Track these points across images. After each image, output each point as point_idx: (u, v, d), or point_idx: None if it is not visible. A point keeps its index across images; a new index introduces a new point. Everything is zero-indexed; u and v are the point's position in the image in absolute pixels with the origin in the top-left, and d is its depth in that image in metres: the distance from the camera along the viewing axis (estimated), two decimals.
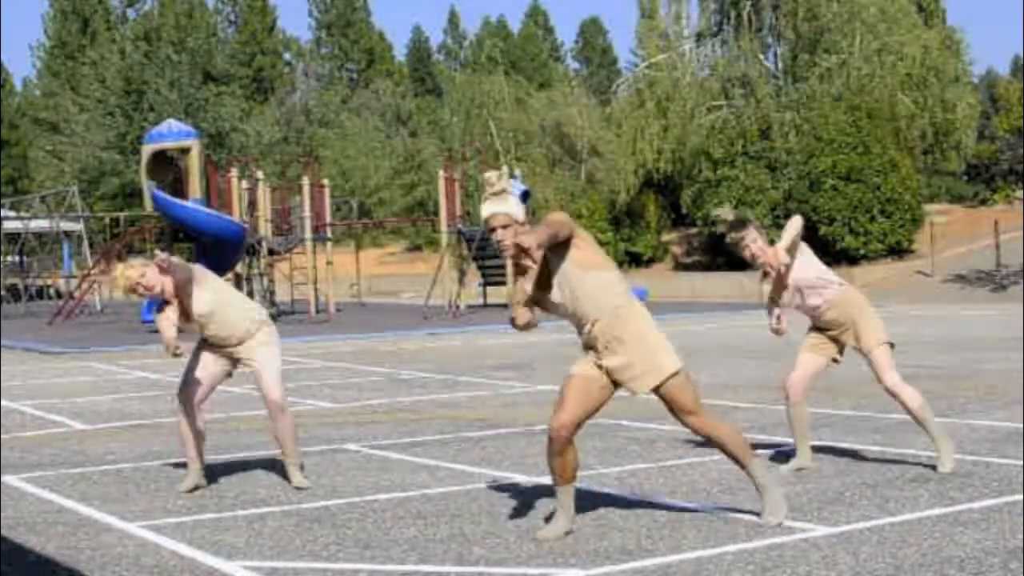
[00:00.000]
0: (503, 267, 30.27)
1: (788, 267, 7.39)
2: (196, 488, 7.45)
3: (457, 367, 15.99)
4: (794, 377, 7.58)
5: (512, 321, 5.90)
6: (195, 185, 24.91)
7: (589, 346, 5.90)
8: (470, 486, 7.36)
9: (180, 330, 7.36)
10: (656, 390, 5.87)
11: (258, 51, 76.30)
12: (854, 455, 8.05)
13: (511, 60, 68.60)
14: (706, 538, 5.80)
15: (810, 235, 39.97)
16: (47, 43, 75.84)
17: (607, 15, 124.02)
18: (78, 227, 44.90)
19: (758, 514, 6.17)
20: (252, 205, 29.15)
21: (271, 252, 29.59)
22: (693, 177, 41.33)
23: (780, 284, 7.44)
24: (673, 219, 45.78)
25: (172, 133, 25.55)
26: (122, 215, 46.57)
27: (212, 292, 7.41)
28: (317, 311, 29.76)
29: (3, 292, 40.32)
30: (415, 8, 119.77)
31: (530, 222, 5.94)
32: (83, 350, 20.82)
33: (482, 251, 30.92)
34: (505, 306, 31.11)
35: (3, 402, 12.84)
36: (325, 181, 33.24)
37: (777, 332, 7.44)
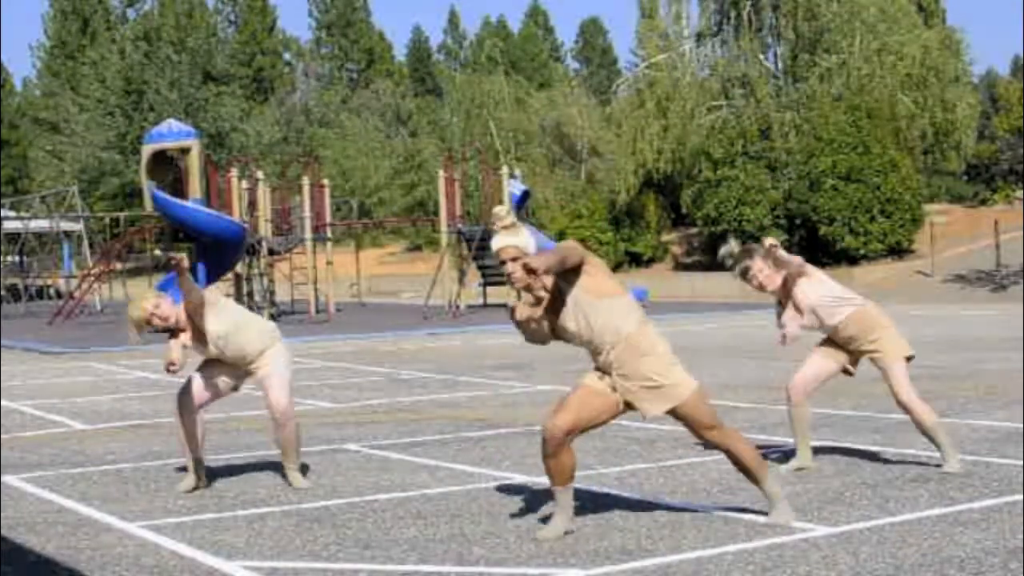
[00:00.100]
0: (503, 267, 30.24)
1: (797, 294, 7.38)
2: (196, 488, 7.46)
3: (457, 367, 15.99)
4: (797, 377, 7.58)
5: (512, 312, 5.90)
6: (195, 185, 24.90)
7: (604, 371, 5.92)
8: (470, 486, 7.36)
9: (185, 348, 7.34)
10: (674, 411, 5.90)
11: (258, 51, 76.28)
12: (854, 455, 8.05)
13: (511, 60, 68.58)
14: (706, 538, 5.80)
15: (810, 235, 39.75)
16: (47, 43, 75.86)
17: (607, 15, 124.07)
18: (78, 227, 44.89)
19: (759, 513, 6.18)
20: (252, 205, 29.15)
21: (271, 252, 29.58)
22: (693, 177, 41.32)
23: (792, 306, 7.41)
24: (673, 219, 45.77)
25: (172, 133, 25.53)
26: (122, 215, 46.55)
27: (227, 314, 7.39)
28: (317, 311, 29.76)
29: (3, 292, 40.33)
30: (415, 8, 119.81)
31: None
32: (83, 350, 20.82)
33: (482, 251, 30.92)
34: (505, 306, 31.08)
35: (3, 402, 12.85)
36: (325, 181, 33.24)
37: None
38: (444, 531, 6.16)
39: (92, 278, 33.50)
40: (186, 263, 7.07)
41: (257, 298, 28.76)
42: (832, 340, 7.52)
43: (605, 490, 7.08)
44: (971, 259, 35.72)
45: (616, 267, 38.69)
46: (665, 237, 45.28)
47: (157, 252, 46.66)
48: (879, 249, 37.45)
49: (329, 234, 32.50)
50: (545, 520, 6.11)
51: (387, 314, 30.83)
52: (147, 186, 24.49)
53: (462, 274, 32.45)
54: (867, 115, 38.17)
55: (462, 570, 5.41)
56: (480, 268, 33.76)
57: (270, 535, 6.20)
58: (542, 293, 5.85)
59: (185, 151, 25.00)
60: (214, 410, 8.06)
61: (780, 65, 43.97)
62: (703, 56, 44.79)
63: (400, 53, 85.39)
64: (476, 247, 31.10)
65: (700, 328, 22.90)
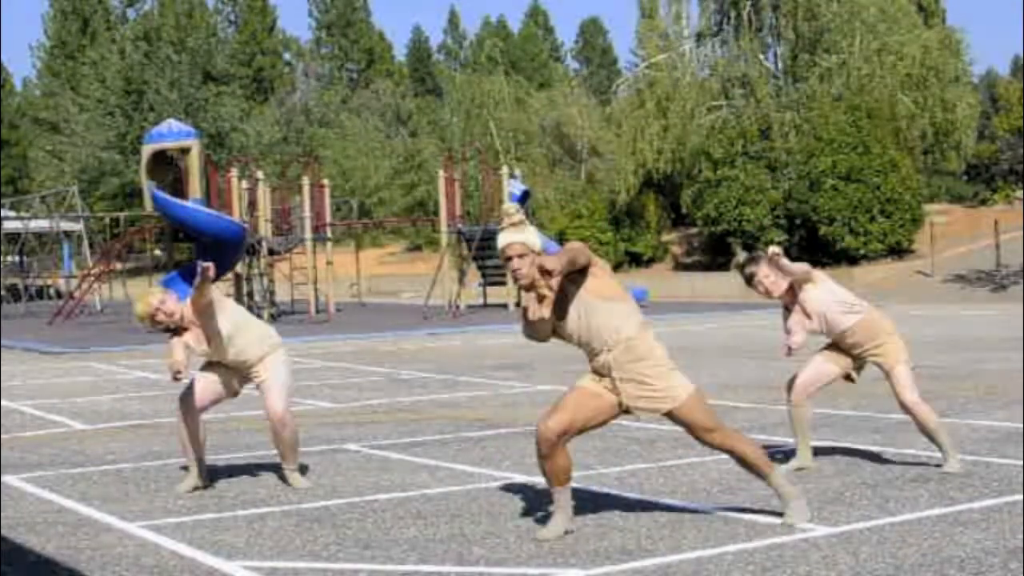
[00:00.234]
0: (503, 267, 30.28)
1: (805, 299, 7.38)
2: (196, 489, 7.46)
3: (457, 367, 15.99)
4: (797, 377, 7.59)
5: (525, 311, 5.90)
6: (195, 185, 24.88)
7: (601, 373, 5.92)
8: (470, 486, 7.36)
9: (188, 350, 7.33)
10: (672, 414, 5.90)
11: (258, 51, 76.30)
12: (854, 455, 8.05)
13: (511, 60, 68.59)
14: (706, 538, 5.80)
15: (810, 235, 39.69)
16: (47, 43, 75.89)
17: (607, 15, 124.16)
18: (78, 227, 44.89)
19: (759, 513, 6.18)
20: (252, 205, 29.15)
21: (271, 252, 29.59)
22: (693, 177, 41.32)
23: (799, 310, 7.41)
24: (673, 219, 45.77)
25: (172, 133, 25.52)
26: (122, 215, 46.55)
27: (227, 314, 7.39)
28: (317, 311, 29.76)
29: (3, 292, 40.32)
30: (415, 8, 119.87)
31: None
32: (83, 350, 20.82)
33: (482, 251, 30.92)
34: (504, 306, 31.12)
35: (3, 402, 12.85)
36: (325, 181, 33.24)
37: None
38: (444, 531, 6.16)
39: (92, 278, 33.51)
40: (212, 272, 7.05)
41: (257, 298, 28.76)
42: (836, 345, 7.52)
43: (605, 490, 7.08)
44: (971, 259, 35.72)
45: (616, 267, 38.64)
46: (665, 237, 45.28)
47: (157, 252, 46.70)
48: (879, 249, 37.45)
49: (329, 234, 32.50)
50: (545, 520, 6.11)
51: (387, 314, 30.83)
52: (147, 186, 24.47)
53: (462, 274, 32.44)
54: (867, 115, 38.17)
55: (462, 570, 5.41)
56: (480, 268, 33.76)
57: (270, 535, 6.20)
58: (546, 292, 5.86)
59: (185, 151, 24.98)
60: (214, 410, 8.06)
61: (780, 65, 43.97)
62: (703, 56, 44.78)
63: (400, 53, 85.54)
64: (476, 247, 31.09)
65: (700, 328, 22.90)
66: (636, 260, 43.12)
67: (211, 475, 7.71)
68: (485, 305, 33.36)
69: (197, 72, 62.05)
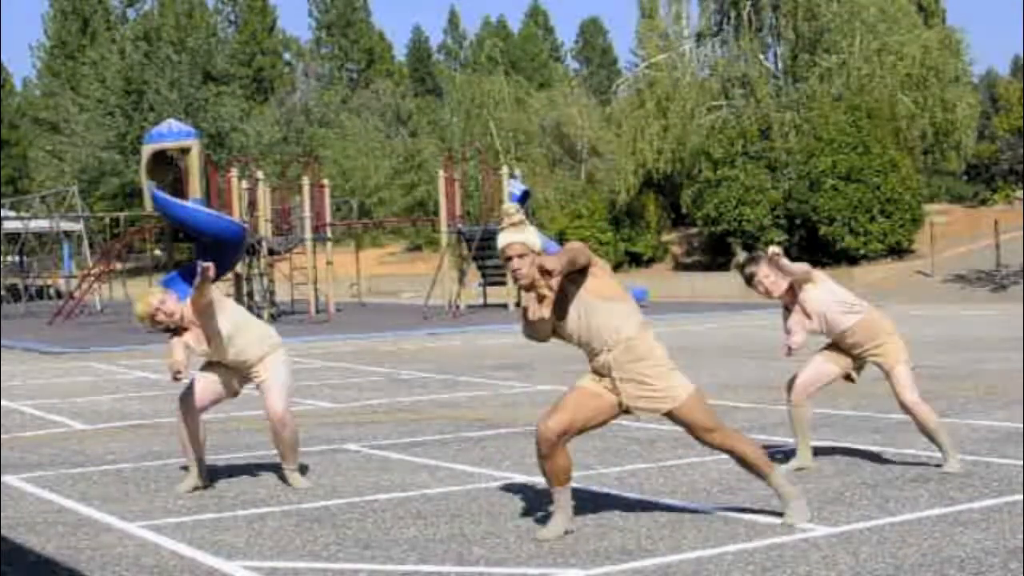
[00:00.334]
0: (503, 267, 30.28)
1: (804, 299, 7.38)
2: (196, 489, 7.46)
3: (457, 367, 15.99)
4: (797, 377, 7.59)
5: (525, 311, 5.90)
6: (195, 185, 24.89)
7: (601, 373, 5.92)
8: (470, 486, 7.36)
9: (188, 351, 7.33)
10: (672, 414, 5.90)
11: (258, 51, 76.30)
12: (854, 455, 8.05)
13: (511, 60, 68.58)
14: (706, 538, 5.80)
15: (810, 235, 39.65)
16: (47, 43, 75.89)
17: (607, 15, 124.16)
18: (78, 227, 44.89)
19: (759, 513, 6.18)
20: (252, 205, 29.15)
21: (271, 252, 29.59)
22: (693, 177, 41.32)
23: (799, 310, 7.41)
24: (673, 219, 45.78)
25: (172, 133, 25.52)
26: (122, 215, 46.55)
27: (227, 314, 7.39)
28: (317, 311, 29.76)
29: (3, 292, 40.32)
30: (415, 8, 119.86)
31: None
32: (83, 350, 20.82)
33: (482, 251, 30.93)
34: (504, 306, 31.12)
35: (3, 402, 12.85)
36: (325, 181, 33.25)
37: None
38: (444, 531, 6.16)
39: (92, 278, 33.50)
40: (212, 272, 7.05)
41: (257, 298, 28.76)
42: (836, 345, 7.52)
43: (605, 490, 7.08)
44: (971, 259, 35.72)
45: (616, 267, 38.64)
46: (665, 237, 45.28)
47: (157, 252, 46.70)
48: (879, 249, 37.45)
49: (329, 234, 32.50)
50: (545, 520, 6.11)
51: (387, 314, 30.84)
52: (147, 186, 24.47)
53: (462, 274, 32.44)
54: (867, 115, 38.17)
55: (462, 570, 5.41)
56: (480, 268, 33.76)
57: (270, 535, 6.20)
58: (546, 291, 5.86)
59: (185, 151, 24.99)
60: (214, 410, 8.06)
61: (780, 65, 43.97)
62: (703, 56, 44.78)
63: (400, 53, 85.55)
64: (476, 247, 31.10)
65: (700, 328, 22.90)
66: (636, 260, 43.12)
67: (211, 475, 7.71)
68: (485, 305, 33.36)
69: (197, 72, 62.05)
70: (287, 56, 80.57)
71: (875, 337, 7.39)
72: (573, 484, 6.04)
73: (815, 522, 6.01)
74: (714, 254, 41.28)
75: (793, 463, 7.52)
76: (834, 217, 37.08)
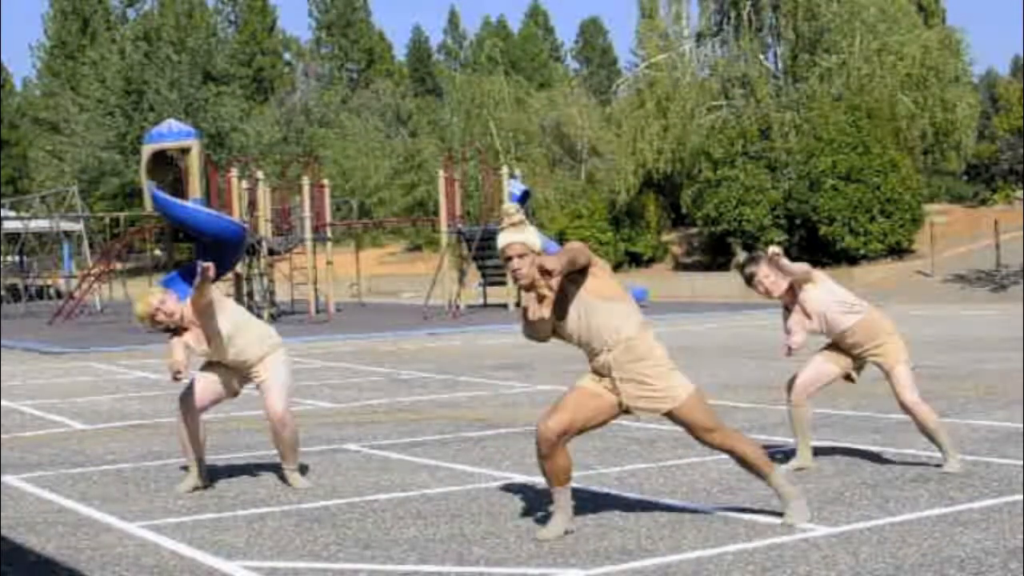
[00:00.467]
0: (503, 267, 30.27)
1: (805, 299, 7.38)
2: (196, 489, 7.46)
3: (457, 367, 15.99)
4: (797, 377, 7.59)
5: (525, 311, 5.90)
6: (195, 185, 24.89)
7: (601, 373, 5.92)
8: (470, 486, 7.36)
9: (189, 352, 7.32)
10: (672, 414, 5.90)
11: (258, 51, 76.32)
12: (854, 455, 8.05)
13: (511, 60, 68.60)
14: (706, 538, 5.80)
15: (810, 235, 39.63)
16: (47, 43, 75.90)
17: (607, 15, 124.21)
18: (78, 227, 44.89)
19: (759, 513, 6.18)
20: (252, 205, 29.16)
21: (271, 252, 29.59)
22: (693, 177, 41.33)
23: (799, 310, 7.41)
24: (673, 219, 45.78)
25: (172, 133, 25.52)
26: (122, 215, 46.54)
27: (227, 314, 7.39)
28: (317, 311, 29.76)
29: (3, 292, 40.32)
30: (415, 8, 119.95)
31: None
32: (83, 350, 20.82)
33: (482, 251, 30.93)
34: (505, 306, 31.12)
35: (3, 402, 12.85)
36: (325, 181, 33.26)
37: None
38: (444, 531, 6.16)
39: (92, 278, 33.50)
40: (212, 272, 7.05)
41: (257, 298, 28.77)
42: (836, 345, 7.52)
43: (605, 490, 7.08)
44: (971, 259, 35.72)
45: (616, 267, 38.64)
46: (665, 237, 45.29)
47: (157, 252, 46.69)
48: (879, 249, 37.46)
49: (329, 234, 32.51)
50: (545, 520, 6.11)
51: (387, 314, 30.83)
52: (147, 186, 24.47)
53: (462, 274, 32.45)
54: (867, 115, 38.18)
55: (462, 570, 5.41)
56: (480, 268, 33.76)
57: (270, 535, 6.20)
58: (546, 291, 5.86)
59: (185, 151, 24.99)
60: (214, 410, 8.06)
61: (780, 65, 43.97)
62: (703, 56, 44.78)
63: (400, 53, 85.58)
64: (476, 247, 31.10)
65: (700, 328, 22.90)
66: (636, 260, 43.12)
67: (211, 475, 7.71)
68: (485, 305, 33.36)
69: (197, 72, 62.05)
70: (287, 56, 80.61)
71: (875, 337, 7.40)
72: (573, 484, 6.04)
73: (815, 522, 6.01)
74: (714, 254, 41.28)
75: (793, 463, 7.52)
76: (834, 217, 37.09)
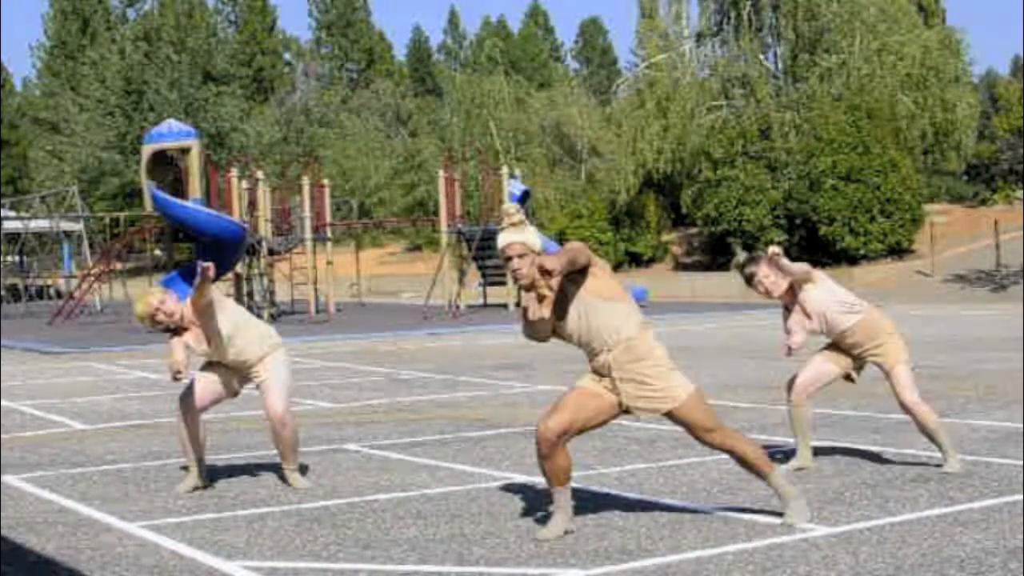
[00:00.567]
0: (503, 267, 30.26)
1: (804, 299, 7.38)
2: (196, 489, 7.46)
3: (457, 367, 15.98)
4: (797, 377, 7.59)
5: (525, 311, 5.90)
6: (195, 185, 24.89)
7: (601, 373, 5.92)
8: (470, 486, 7.36)
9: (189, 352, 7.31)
10: (672, 414, 5.91)
11: (258, 51, 76.31)
12: (854, 455, 8.05)
13: (511, 60, 68.59)
14: (706, 538, 5.80)
15: (810, 235, 39.66)
16: (47, 43, 75.89)
17: (607, 15, 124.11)
18: (78, 227, 44.89)
19: (759, 513, 6.18)
20: (252, 205, 29.15)
21: (271, 252, 29.58)
22: (693, 177, 41.33)
23: (799, 310, 7.41)
24: (673, 219, 45.78)
25: (172, 133, 25.51)
26: (122, 215, 46.51)
27: (227, 314, 7.39)
28: (317, 311, 29.76)
29: (3, 292, 40.32)
30: (415, 8, 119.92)
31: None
32: (83, 350, 20.82)
33: (482, 251, 30.92)
34: (505, 306, 31.11)
35: (3, 402, 12.84)
36: (325, 181, 33.26)
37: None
38: (444, 531, 6.16)
39: (92, 278, 33.50)
40: (212, 272, 7.05)
41: (257, 298, 28.76)
42: (836, 344, 7.52)
43: (605, 490, 7.08)
44: (971, 259, 35.72)
45: (616, 267, 38.64)
46: (665, 237, 45.29)
47: (157, 252, 46.70)
48: (879, 249, 37.46)
49: (329, 234, 32.51)
50: (545, 520, 6.11)
51: (387, 314, 30.83)
52: (147, 186, 24.48)
53: (462, 274, 32.44)
54: (867, 115, 38.18)
55: (462, 570, 5.41)
56: (480, 268, 33.76)
57: (270, 535, 6.20)
58: (546, 291, 5.86)
59: (185, 151, 24.99)
60: (214, 410, 8.06)
61: (780, 65, 43.98)
62: (703, 56, 44.80)
63: (400, 53, 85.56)
64: (476, 247, 31.09)
65: (700, 328, 22.90)
66: (636, 260, 43.13)
67: (211, 475, 7.71)
68: (485, 305, 33.36)
69: (197, 72, 62.04)
70: (287, 56, 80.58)
71: (875, 337, 7.40)
72: (573, 484, 6.04)
73: (815, 522, 6.01)
74: (714, 254, 41.28)
75: (793, 463, 7.52)
76: (834, 217, 37.09)
